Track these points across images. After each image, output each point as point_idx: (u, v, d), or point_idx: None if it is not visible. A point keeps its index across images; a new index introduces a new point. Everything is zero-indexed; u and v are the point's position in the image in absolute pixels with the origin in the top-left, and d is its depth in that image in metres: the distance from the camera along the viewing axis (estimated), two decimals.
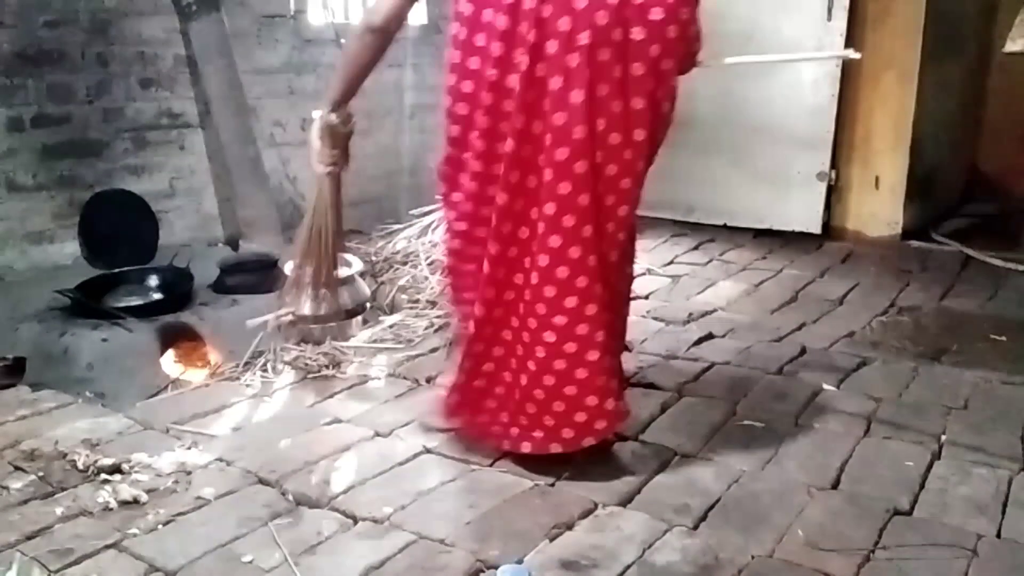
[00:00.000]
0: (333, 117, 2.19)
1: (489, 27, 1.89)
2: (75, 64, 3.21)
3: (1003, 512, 1.89)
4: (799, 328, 3.08)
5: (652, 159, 2.03)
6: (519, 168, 1.93)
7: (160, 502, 1.95)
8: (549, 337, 1.96)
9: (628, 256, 2.19)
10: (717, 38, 4.42)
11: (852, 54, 2.63)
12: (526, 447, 2.06)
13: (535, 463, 2.10)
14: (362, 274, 3.02)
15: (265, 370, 2.68)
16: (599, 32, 1.82)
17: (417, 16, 4.27)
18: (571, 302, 1.94)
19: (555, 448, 2.04)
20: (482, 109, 1.93)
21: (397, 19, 2.05)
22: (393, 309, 3.17)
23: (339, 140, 2.22)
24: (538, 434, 2.04)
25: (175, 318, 2.72)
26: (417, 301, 3.19)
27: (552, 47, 1.84)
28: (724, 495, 1.98)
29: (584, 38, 1.82)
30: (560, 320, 1.95)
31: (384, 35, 2.07)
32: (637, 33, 1.84)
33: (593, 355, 1.96)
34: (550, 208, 1.91)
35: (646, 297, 3.46)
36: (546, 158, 1.90)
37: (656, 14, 1.84)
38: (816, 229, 4.25)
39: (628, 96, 1.88)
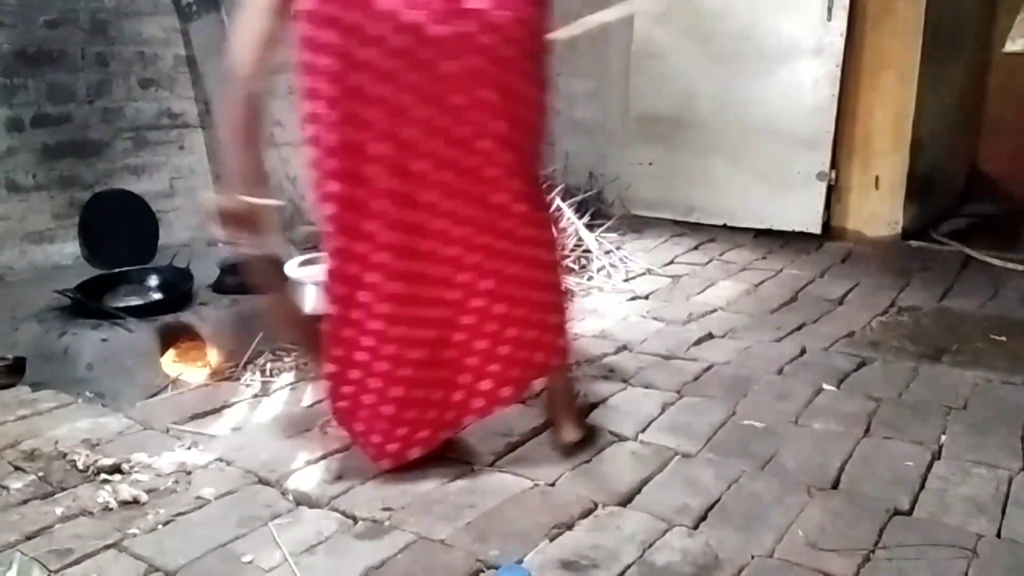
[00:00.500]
0: (239, 202, 1.91)
1: (321, 45, 1.83)
2: (75, 64, 3.21)
3: (1003, 512, 1.89)
4: (799, 328, 3.08)
5: (529, 146, 1.98)
6: (342, 178, 1.89)
7: (160, 502, 1.95)
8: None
9: (531, 246, 2.05)
10: (718, 38, 4.46)
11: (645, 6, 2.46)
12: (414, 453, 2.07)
13: (534, 464, 2.11)
14: None
15: (265, 370, 2.69)
16: (415, 30, 1.77)
17: None
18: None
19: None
20: (325, 125, 1.87)
21: (258, 63, 1.88)
22: None
23: (250, 223, 1.94)
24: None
25: (175, 318, 2.72)
26: None
27: (366, 53, 1.78)
28: (724, 495, 1.97)
29: (399, 40, 1.77)
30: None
31: (252, 86, 1.89)
32: (465, 25, 1.79)
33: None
34: (384, 204, 1.90)
35: (646, 297, 3.46)
36: (372, 155, 1.86)
37: (481, 2, 1.79)
38: (816, 229, 4.25)
39: (470, 89, 1.84)
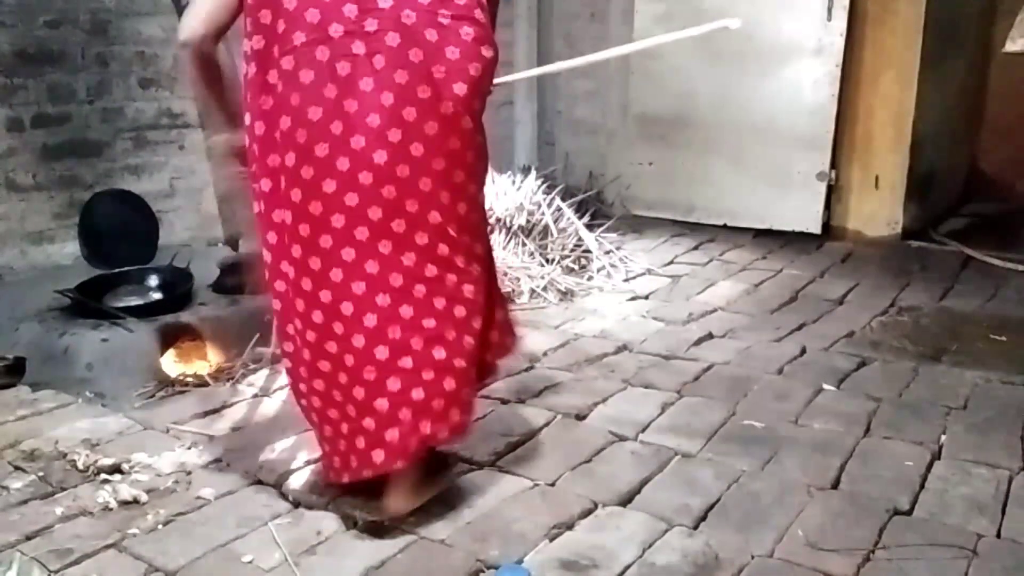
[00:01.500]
0: (226, 140, 1.98)
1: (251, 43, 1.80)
2: (75, 64, 3.21)
3: (1003, 512, 1.89)
4: (799, 328, 3.08)
5: (453, 178, 1.80)
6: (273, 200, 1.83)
7: (160, 502, 1.95)
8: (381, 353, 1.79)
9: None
10: (718, 38, 4.45)
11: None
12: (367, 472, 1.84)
13: (534, 464, 2.11)
14: None
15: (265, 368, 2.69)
16: (336, 45, 1.70)
17: None
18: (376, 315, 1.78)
19: (398, 463, 1.82)
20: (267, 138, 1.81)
21: (206, 23, 1.82)
22: None
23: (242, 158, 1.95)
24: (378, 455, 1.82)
25: (175, 318, 2.72)
26: None
27: (288, 63, 1.74)
28: (724, 495, 1.97)
29: (322, 54, 1.71)
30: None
31: (199, 45, 1.83)
32: (392, 39, 1.71)
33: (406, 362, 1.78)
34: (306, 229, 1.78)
35: (646, 297, 3.46)
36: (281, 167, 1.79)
37: (408, 18, 1.72)
38: (816, 229, 4.25)
39: (392, 110, 1.72)
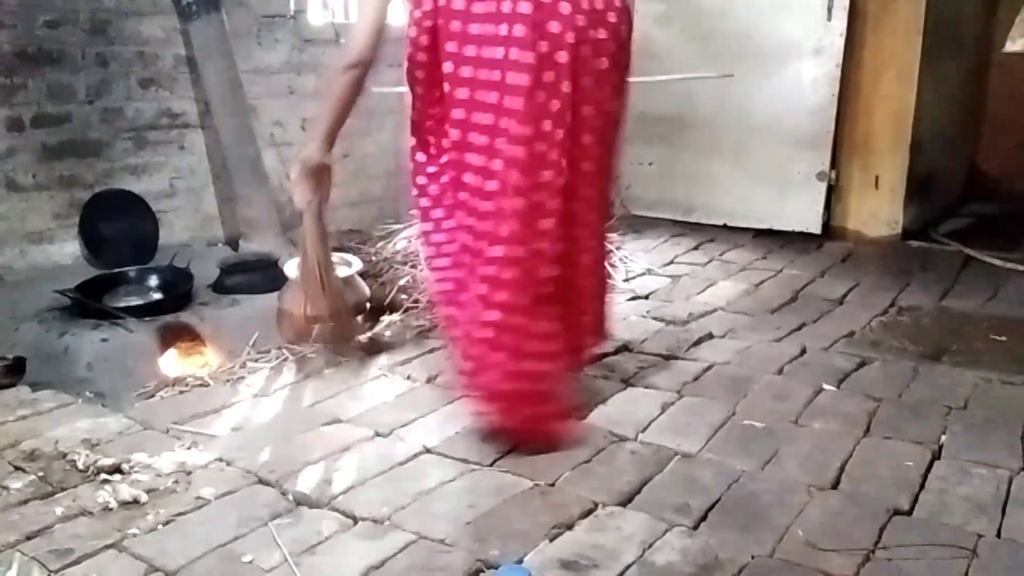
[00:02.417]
0: (321, 156, 2.26)
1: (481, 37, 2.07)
2: (75, 64, 3.21)
3: (1003, 512, 1.89)
4: (799, 328, 3.08)
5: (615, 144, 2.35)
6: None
7: (160, 502, 1.95)
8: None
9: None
10: (718, 38, 4.46)
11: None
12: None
13: (534, 464, 2.11)
14: (362, 274, 3.01)
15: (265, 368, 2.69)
16: (580, 32, 2.07)
17: None
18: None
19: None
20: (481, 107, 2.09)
21: (373, 49, 2.16)
22: (393, 309, 3.17)
23: (323, 177, 2.30)
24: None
25: (175, 318, 2.72)
26: (417, 301, 3.19)
27: (544, 46, 2.04)
28: (724, 495, 1.97)
29: (570, 37, 2.05)
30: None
31: (364, 68, 2.17)
32: (601, 33, 2.12)
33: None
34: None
35: (646, 297, 3.46)
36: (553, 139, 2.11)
37: (612, 17, 2.16)
38: (816, 229, 4.25)
39: (603, 85, 2.17)
